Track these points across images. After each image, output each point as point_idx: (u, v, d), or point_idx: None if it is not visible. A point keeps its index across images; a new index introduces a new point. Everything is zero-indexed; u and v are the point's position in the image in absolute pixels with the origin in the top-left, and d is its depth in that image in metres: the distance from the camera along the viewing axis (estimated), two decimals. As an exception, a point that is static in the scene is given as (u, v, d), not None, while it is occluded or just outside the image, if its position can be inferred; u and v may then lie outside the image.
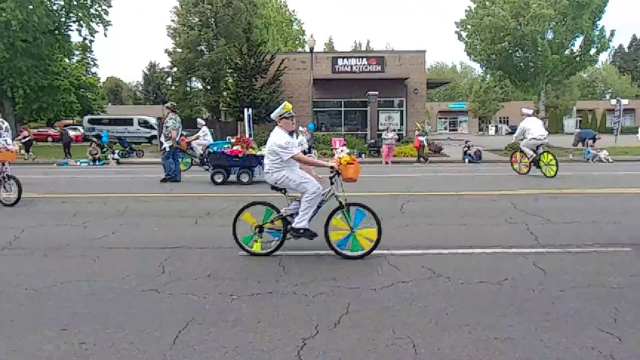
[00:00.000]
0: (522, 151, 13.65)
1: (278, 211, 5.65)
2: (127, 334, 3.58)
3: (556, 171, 13.09)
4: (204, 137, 16.78)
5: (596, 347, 3.31)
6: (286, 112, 5.62)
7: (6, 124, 12.91)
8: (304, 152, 17.59)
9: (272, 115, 5.78)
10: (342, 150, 5.95)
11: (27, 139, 21.37)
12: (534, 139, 12.99)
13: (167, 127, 13.05)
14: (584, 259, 5.47)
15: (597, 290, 4.43)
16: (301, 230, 5.48)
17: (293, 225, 5.51)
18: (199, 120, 18.69)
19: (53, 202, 9.84)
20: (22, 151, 19.94)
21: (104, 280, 4.80)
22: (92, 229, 7.12)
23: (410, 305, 4.11)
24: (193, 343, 3.43)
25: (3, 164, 9.37)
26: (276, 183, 5.60)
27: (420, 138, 20.86)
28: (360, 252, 5.48)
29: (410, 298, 4.26)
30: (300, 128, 20.50)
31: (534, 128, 13.11)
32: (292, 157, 5.49)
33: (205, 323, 3.76)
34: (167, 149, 12.89)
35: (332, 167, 5.53)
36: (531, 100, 46.77)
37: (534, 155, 13.19)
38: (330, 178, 5.64)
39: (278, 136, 5.52)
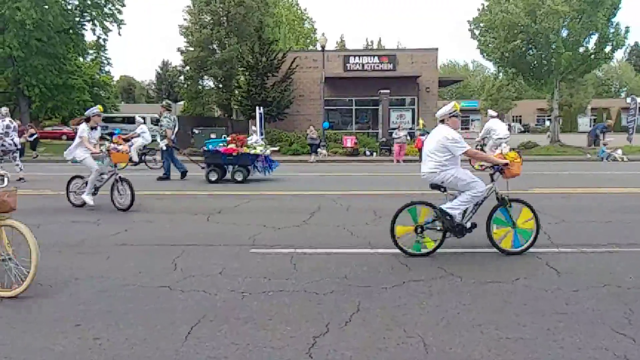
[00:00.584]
0: (482, 148, 15.02)
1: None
2: (140, 330, 3.61)
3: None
4: (142, 136, 16.99)
5: (610, 348, 3.28)
6: (455, 110, 5.54)
7: (14, 123, 13.16)
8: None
9: (438, 114, 5.65)
10: (505, 147, 5.95)
11: (34, 137, 21.58)
12: (499, 138, 14.32)
13: (161, 126, 13.11)
14: (598, 258, 5.41)
15: (612, 290, 4.38)
16: (448, 217, 5.35)
17: (443, 206, 5.38)
18: (137, 117, 18.39)
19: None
20: (29, 149, 20.20)
21: (117, 277, 4.84)
22: (105, 226, 7.19)
23: (422, 304, 4.09)
24: (205, 339, 3.45)
25: (115, 166, 8.63)
26: (442, 183, 5.42)
27: (422, 137, 20.78)
28: (523, 247, 5.54)
29: (422, 297, 4.24)
30: (253, 127, 20.10)
31: (499, 129, 14.67)
32: (464, 152, 5.40)
33: (216, 320, 3.78)
34: (164, 148, 12.96)
35: (505, 165, 5.44)
36: (544, 98, 46.33)
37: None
38: (492, 175, 5.61)
39: (448, 131, 5.40)
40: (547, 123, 51.79)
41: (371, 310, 3.97)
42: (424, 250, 5.51)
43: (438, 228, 5.49)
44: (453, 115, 5.51)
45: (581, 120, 61.31)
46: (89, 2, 29.39)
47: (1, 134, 12.49)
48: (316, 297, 4.24)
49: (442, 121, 5.56)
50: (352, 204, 9.01)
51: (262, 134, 23.75)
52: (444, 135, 5.38)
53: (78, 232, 6.87)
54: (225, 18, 32.79)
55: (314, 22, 57.00)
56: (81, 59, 34.48)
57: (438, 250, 5.61)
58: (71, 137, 28.77)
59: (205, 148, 12.82)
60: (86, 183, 8.57)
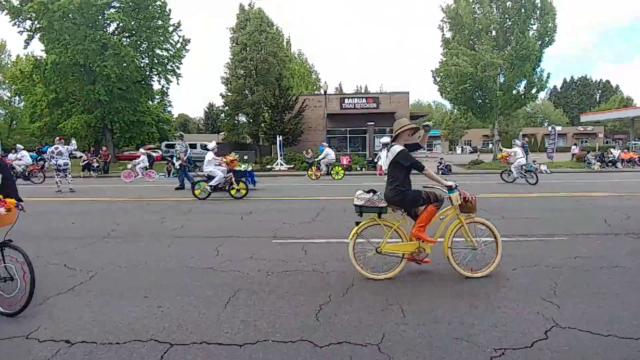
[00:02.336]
0: (319, 166, 17.10)
1: None
2: (192, 299, 3.59)
3: (342, 176, 16.79)
4: (22, 159, 16.71)
5: (540, 312, 3.22)
6: None
7: (62, 149, 12.78)
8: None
9: None
10: None
11: (85, 162, 20.22)
12: (332, 159, 17.17)
13: (177, 150, 13.21)
14: (530, 245, 5.34)
15: (541, 269, 4.32)
16: None
17: None
18: (17, 145, 18.11)
19: (139, 203, 9.99)
20: (83, 171, 19.72)
21: (176, 260, 4.83)
22: (167, 223, 7.18)
23: (398, 280, 4.05)
24: (239, 307, 3.42)
25: None
26: None
27: None
28: None
29: (398, 275, 4.19)
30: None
31: (330, 154, 17.18)
32: None
33: (248, 292, 3.75)
34: (178, 167, 13.02)
35: None
36: (487, 127, 46.14)
37: (326, 169, 16.90)
38: None
39: None
40: (491, 145, 51.59)
41: (363, 284, 3.93)
42: None
43: None
44: None
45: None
46: (156, 61, 29.81)
47: (50, 156, 12.66)
48: (321, 275, 4.20)
49: None
50: (347, 206, 8.96)
51: (281, 156, 23.99)
52: None
53: (147, 227, 6.86)
54: (254, 71, 32.88)
55: (318, 74, 57.18)
56: (150, 102, 34.75)
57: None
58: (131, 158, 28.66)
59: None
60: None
